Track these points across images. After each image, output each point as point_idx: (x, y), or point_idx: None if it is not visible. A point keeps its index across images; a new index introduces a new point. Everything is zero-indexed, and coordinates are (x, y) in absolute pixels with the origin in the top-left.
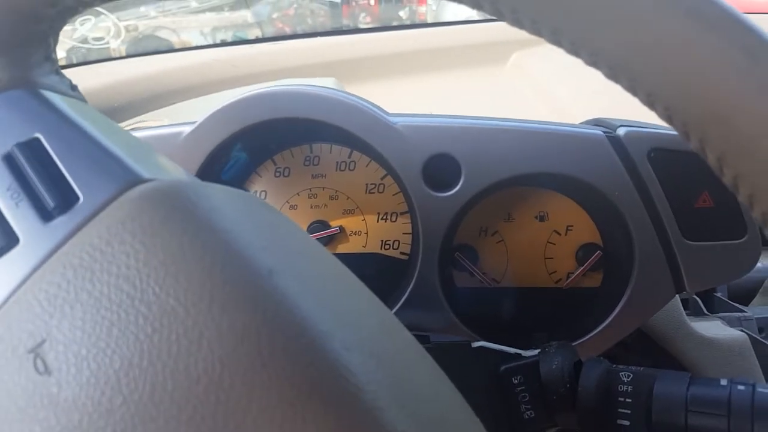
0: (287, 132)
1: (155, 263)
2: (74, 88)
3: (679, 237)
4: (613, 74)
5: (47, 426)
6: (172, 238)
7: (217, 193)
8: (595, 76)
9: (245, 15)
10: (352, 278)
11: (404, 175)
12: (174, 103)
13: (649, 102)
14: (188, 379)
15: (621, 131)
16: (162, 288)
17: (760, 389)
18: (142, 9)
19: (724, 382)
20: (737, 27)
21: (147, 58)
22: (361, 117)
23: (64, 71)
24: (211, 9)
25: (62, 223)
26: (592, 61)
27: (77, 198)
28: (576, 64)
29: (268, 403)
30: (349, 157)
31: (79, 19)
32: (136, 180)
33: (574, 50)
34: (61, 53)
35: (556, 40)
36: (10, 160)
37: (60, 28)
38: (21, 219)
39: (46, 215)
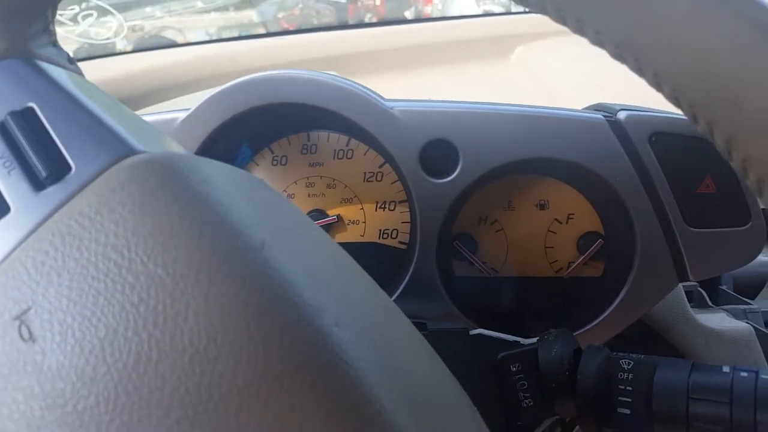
0: (284, 119)
1: (144, 232)
2: (72, 61)
3: (682, 224)
4: (618, 53)
5: (30, 393)
6: (163, 207)
7: (212, 167)
8: (600, 71)
9: (250, 14)
10: (347, 259)
11: (401, 162)
12: (172, 98)
13: (656, 82)
14: (173, 350)
15: (621, 115)
16: (150, 257)
17: (763, 376)
18: (148, 9)
19: (726, 369)
20: (748, 2)
21: (146, 53)
22: (356, 102)
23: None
24: (217, 9)
25: (54, 193)
26: (597, 40)
27: (69, 168)
28: (580, 59)
29: (253, 377)
30: (347, 145)
31: (81, 14)
32: (130, 151)
33: (579, 28)
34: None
35: (560, 17)
36: (3, 129)
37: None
38: (13, 188)
39: (38, 184)
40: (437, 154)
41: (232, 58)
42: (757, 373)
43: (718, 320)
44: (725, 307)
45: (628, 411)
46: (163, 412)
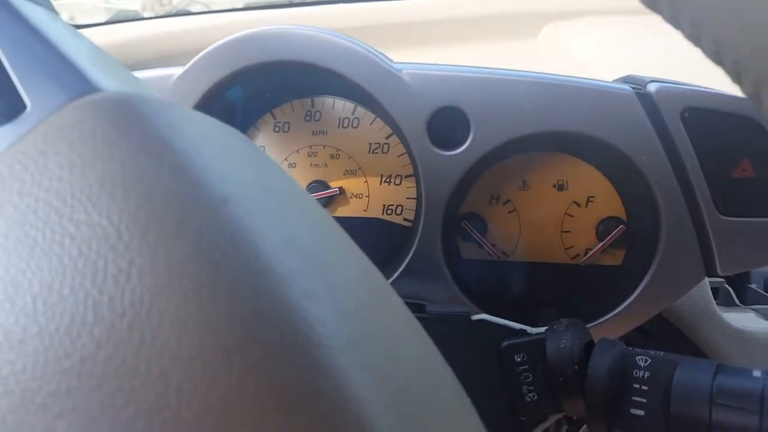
0: (287, 82)
1: (91, 178)
2: None
3: (713, 211)
4: (672, 17)
5: None
6: (115, 151)
7: (180, 113)
8: (634, 52)
9: None
10: (331, 224)
11: (407, 130)
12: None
13: (714, 51)
14: (111, 313)
15: (651, 87)
16: (95, 206)
17: None
18: None
19: (757, 373)
20: None
21: (174, 19)
22: (361, 62)
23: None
24: None
25: (5, 133)
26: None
27: (24, 106)
28: (611, 39)
29: (200, 350)
30: (353, 113)
31: None
32: (89, 89)
33: None
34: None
35: None
36: None
37: None
38: None
39: None
40: (447, 124)
41: (247, 27)
42: None
43: (746, 321)
44: (755, 306)
45: (641, 412)
46: (95, 382)
